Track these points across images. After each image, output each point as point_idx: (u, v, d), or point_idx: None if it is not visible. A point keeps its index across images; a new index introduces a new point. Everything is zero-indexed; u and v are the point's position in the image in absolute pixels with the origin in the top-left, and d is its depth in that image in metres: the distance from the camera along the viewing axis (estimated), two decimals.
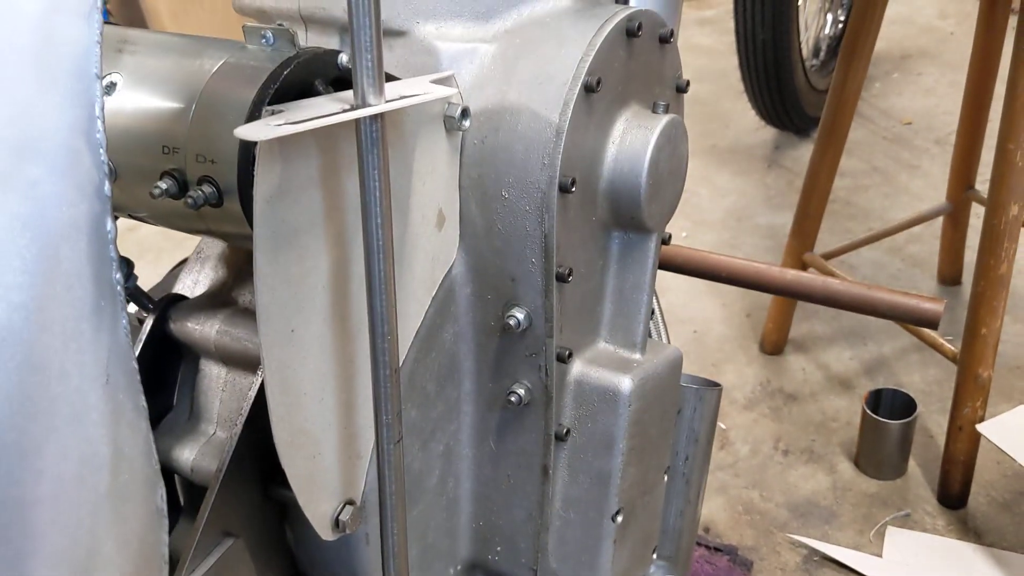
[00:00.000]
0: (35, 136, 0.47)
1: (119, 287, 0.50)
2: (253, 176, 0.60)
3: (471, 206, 0.75)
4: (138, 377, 0.51)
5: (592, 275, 0.81)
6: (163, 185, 0.63)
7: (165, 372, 0.81)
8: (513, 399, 0.79)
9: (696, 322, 1.84)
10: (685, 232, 2.17)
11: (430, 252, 0.73)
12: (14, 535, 0.45)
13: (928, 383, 1.61)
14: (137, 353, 0.78)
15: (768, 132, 2.54)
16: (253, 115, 0.60)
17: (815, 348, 1.74)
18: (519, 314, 0.76)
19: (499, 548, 0.87)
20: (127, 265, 0.76)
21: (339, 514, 0.70)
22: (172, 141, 0.63)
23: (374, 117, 0.56)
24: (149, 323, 0.78)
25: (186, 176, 0.63)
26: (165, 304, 0.79)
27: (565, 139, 0.71)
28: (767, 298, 1.75)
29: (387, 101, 0.56)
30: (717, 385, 1.01)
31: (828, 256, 1.62)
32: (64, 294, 0.48)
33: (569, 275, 0.75)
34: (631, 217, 0.79)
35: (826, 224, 2.03)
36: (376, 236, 0.59)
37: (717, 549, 1.33)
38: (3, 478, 0.45)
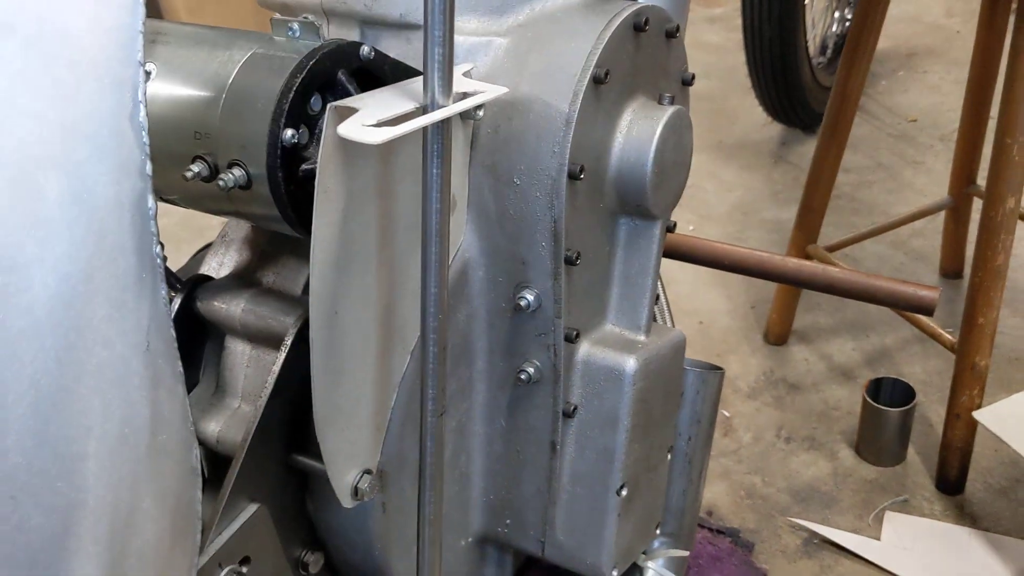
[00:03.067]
0: (83, 119, 0.50)
1: (159, 260, 0.54)
2: (280, 161, 0.64)
3: (484, 192, 0.79)
4: (175, 344, 0.55)
5: (600, 259, 0.84)
6: (195, 168, 0.67)
7: (192, 349, 0.84)
8: (523, 377, 0.82)
9: (702, 313, 1.88)
10: (692, 226, 2.20)
11: (449, 240, 0.77)
12: (63, 486, 0.49)
13: (929, 374, 1.64)
14: None
15: (775, 128, 2.57)
16: (281, 103, 0.64)
17: (818, 339, 1.77)
18: (529, 295, 0.80)
19: (509, 521, 0.90)
20: (161, 246, 0.80)
21: (357, 482, 0.74)
22: (204, 127, 0.67)
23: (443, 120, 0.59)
24: (177, 302, 0.82)
25: (217, 160, 0.67)
26: (192, 284, 0.83)
27: (574, 128, 0.74)
28: (772, 290, 1.78)
29: (454, 102, 0.60)
30: (719, 369, 1.04)
31: (832, 248, 1.66)
32: (109, 266, 0.51)
33: (577, 259, 0.78)
34: (637, 204, 0.82)
35: (831, 219, 2.06)
36: (434, 223, 0.62)
37: (720, 531, 1.36)
38: (54, 434, 0.49)
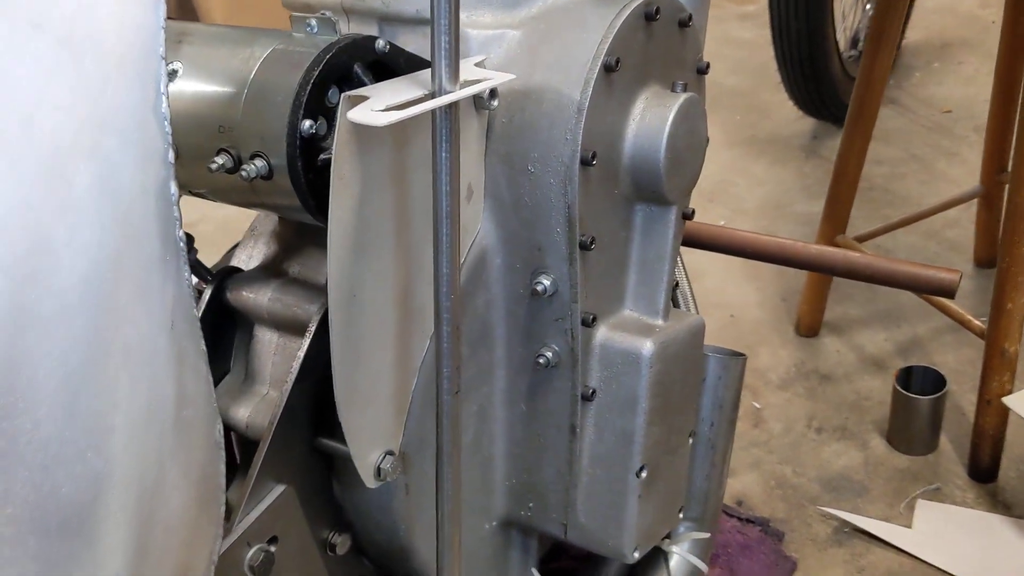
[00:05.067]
0: (111, 111, 0.53)
1: (182, 243, 0.57)
2: (299, 151, 0.67)
3: (500, 181, 0.81)
4: (199, 324, 0.58)
5: (616, 246, 0.86)
6: (219, 160, 0.69)
7: (222, 339, 0.87)
8: (541, 361, 0.84)
9: (732, 307, 1.88)
10: (723, 220, 2.21)
11: (459, 223, 0.79)
12: (92, 457, 0.52)
13: (961, 363, 1.63)
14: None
15: (806, 123, 2.56)
16: (299, 96, 0.67)
17: (849, 330, 1.76)
18: (546, 280, 0.82)
19: (531, 504, 0.92)
20: (188, 239, 0.84)
21: (380, 463, 0.77)
22: (227, 121, 0.70)
23: (450, 104, 0.61)
24: (208, 293, 0.85)
25: (240, 152, 0.70)
26: (222, 275, 0.86)
27: (586, 115, 0.76)
28: (802, 282, 1.78)
29: (461, 87, 0.62)
30: (741, 355, 1.05)
31: (862, 239, 1.65)
32: (135, 249, 0.54)
33: (592, 243, 0.80)
34: (652, 191, 0.84)
35: (863, 211, 2.05)
36: (444, 206, 0.64)
37: (749, 521, 1.36)
38: (84, 408, 0.52)
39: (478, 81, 0.63)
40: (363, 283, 0.68)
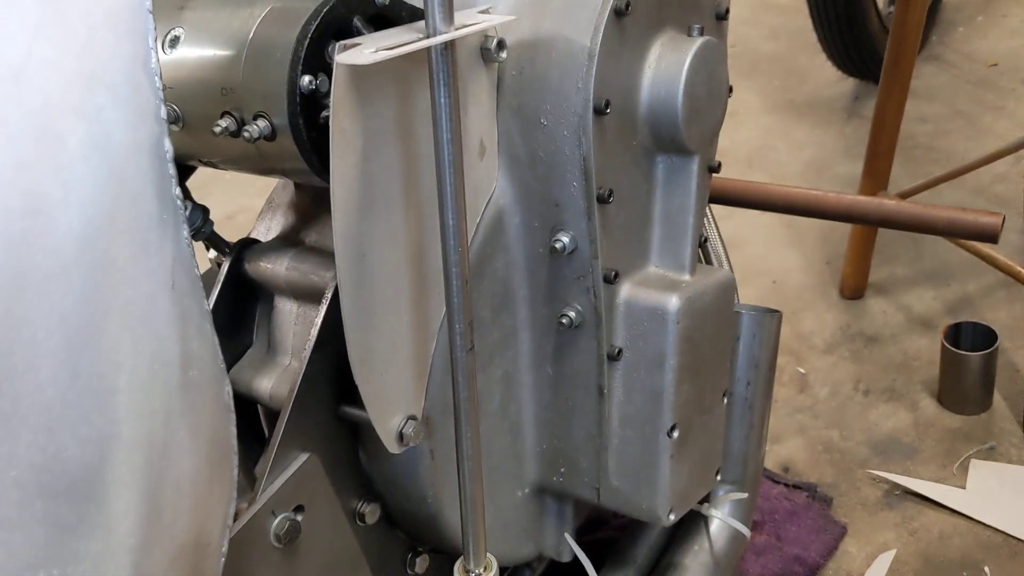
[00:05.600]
0: (100, 68, 0.52)
1: (179, 201, 0.56)
2: (300, 108, 0.66)
3: (513, 136, 0.79)
4: (200, 284, 0.57)
5: (637, 199, 0.83)
6: (223, 123, 0.68)
7: (244, 311, 0.87)
8: (564, 321, 0.82)
9: (775, 272, 1.84)
10: None
11: (472, 181, 0.77)
12: (97, 419, 0.51)
13: (1015, 318, 1.58)
14: (217, 293, 0.85)
15: (847, 84, 2.50)
16: (297, 51, 0.65)
17: (896, 290, 1.71)
18: (564, 237, 0.80)
19: (563, 469, 0.90)
20: (202, 211, 0.83)
21: (402, 428, 0.75)
22: (229, 83, 0.69)
23: (446, 45, 0.60)
24: (226, 265, 0.85)
25: (243, 114, 0.69)
26: (240, 247, 0.85)
27: (597, 62, 0.74)
28: (846, 245, 1.73)
29: (456, 29, 0.60)
30: (776, 312, 1.02)
31: (904, 195, 1.60)
32: (131, 208, 0.53)
33: (610, 196, 0.78)
34: (671, 140, 0.81)
35: (906, 169, 2.00)
36: (446, 153, 0.62)
37: (796, 487, 1.33)
38: (86, 369, 0.51)
39: (475, 24, 0.61)
40: (372, 243, 0.67)
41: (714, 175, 0.89)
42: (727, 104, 0.87)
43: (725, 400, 0.94)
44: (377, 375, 0.71)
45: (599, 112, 0.74)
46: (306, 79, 0.65)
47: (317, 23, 0.66)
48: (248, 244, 0.86)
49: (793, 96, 2.52)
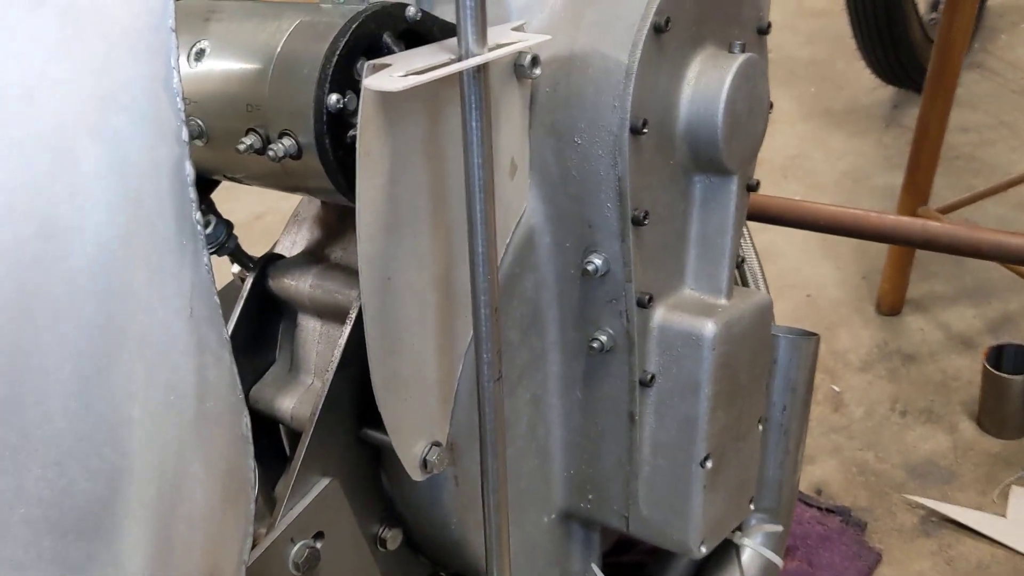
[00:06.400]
0: (118, 87, 0.50)
1: (199, 226, 0.54)
2: (326, 128, 0.64)
3: (546, 154, 0.76)
4: (220, 311, 0.55)
5: (673, 220, 0.80)
6: (247, 141, 0.66)
7: (267, 328, 0.85)
8: (595, 345, 0.79)
9: (809, 286, 1.80)
10: (799, 196, 2.11)
11: (503, 201, 0.74)
12: (109, 452, 0.49)
13: None
14: (240, 308, 0.83)
15: (886, 92, 2.45)
16: (325, 68, 0.63)
17: (935, 307, 1.67)
18: (597, 259, 0.77)
19: (591, 496, 0.88)
20: (226, 226, 0.81)
21: (426, 455, 0.73)
22: (255, 99, 0.67)
23: (479, 68, 0.57)
24: (250, 281, 0.83)
25: (269, 132, 0.67)
26: (264, 262, 0.83)
27: (635, 80, 0.71)
28: (884, 260, 1.69)
29: (489, 50, 0.58)
30: (813, 335, 0.99)
31: (946, 210, 1.55)
32: (148, 232, 0.51)
33: (645, 218, 0.75)
34: (710, 159, 0.78)
35: (948, 180, 1.95)
36: (477, 178, 0.60)
37: (829, 510, 1.30)
38: (98, 400, 0.49)
39: (509, 44, 0.59)
40: (398, 265, 0.65)
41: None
42: (768, 121, 0.84)
43: (760, 426, 0.91)
44: (400, 400, 0.69)
45: (636, 131, 0.72)
46: (333, 98, 0.63)
47: (346, 40, 0.63)
48: (272, 260, 0.84)
49: (830, 103, 2.47)
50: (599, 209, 0.75)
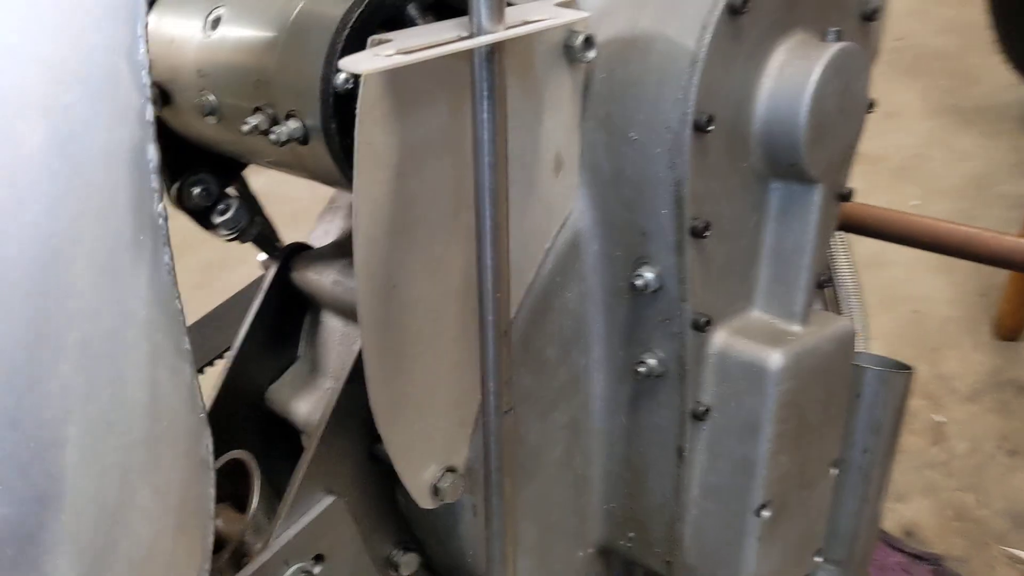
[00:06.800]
0: (70, 56, 0.44)
1: (161, 220, 0.47)
2: (333, 110, 0.56)
3: (598, 150, 0.67)
4: (182, 317, 0.48)
5: (743, 232, 0.70)
6: (252, 121, 0.59)
7: (291, 322, 0.79)
8: (642, 370, 0.70)
9: (918, 300, 1.64)
10: (916, 200, 1.95)
11: (544, 200, 0.66)
12: (37, 475, 0.43)
13: None
14: (260, 300, 0.77)
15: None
16: (335, 43, 0.55)
17: None
18: (648, 273, 0.67)
19: (632, 534, 0.78)
20: (249, 210, 0.75)
21: (438, 481, 0.65)
22: (264, 74, 0.60)
23: (492, 48, 0.48)
24: (273, 271, 0.77)
25: (276, 111, 0.59)
26: (289, 252, 0.77)
27: (702, 69, 0.61)
28: (1006, 277, 1.52)
29: (507, 28, 0.49)
30: (907, 369, 0.87)
31: None
32: (98, 225, 0.45)
33: (706, 230, 0.65)
34: (790, 165, 0.67)
35: None
36: (487, 180, 0.52)
37: (918, 557, 1.16)
38: (27, 416, 0.43)
39: (536, 21, 0.49)
40: (407, 273, 0.57)
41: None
42: (863, 124, 0.72)
43: (833, 471, 0.80)
44: (407, 422, 0.61)
45: (699, 129, 0.62)
46: (342, 76, 0.55)
47: (360, 10, 0.55)
48: (297, 250, 0.77)
49: (959, 100, 2.27)
50: (654, 216, 0.66)
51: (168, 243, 0.47)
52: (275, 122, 0.59)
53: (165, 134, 0.72)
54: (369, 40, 0.50)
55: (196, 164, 0.73)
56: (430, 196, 0.56)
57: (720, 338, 0.70)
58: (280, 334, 0.78)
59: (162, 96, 0.68)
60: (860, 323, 0.99)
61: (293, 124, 0.57)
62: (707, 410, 0.71)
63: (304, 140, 0.58)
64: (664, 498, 0.75)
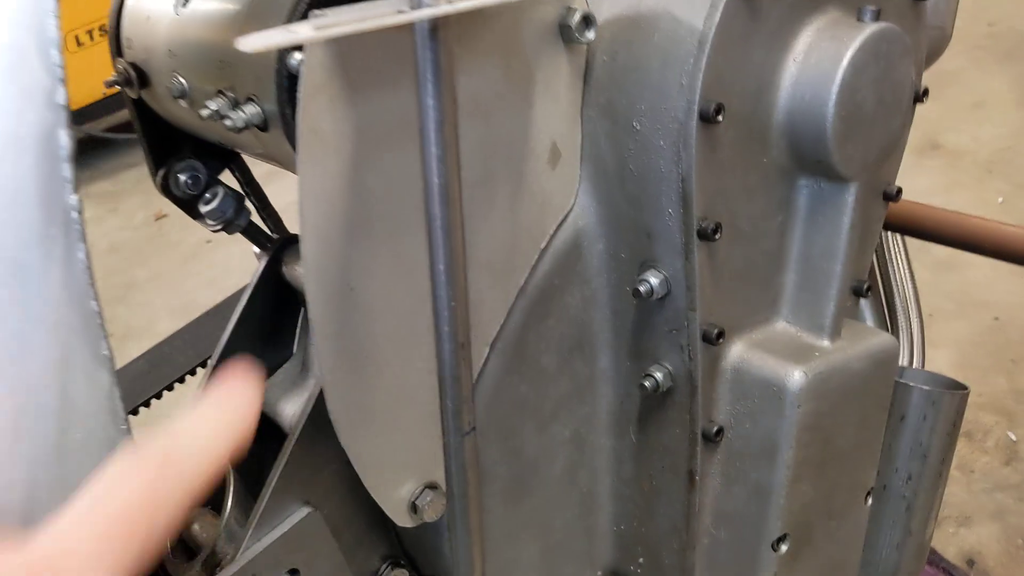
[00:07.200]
0: None
1: (75, 213, 0.43)
2: (288, 93, 0.51)
3: (600, 141, 0.61)
4: (99, 319, 0.44)
5: (765, 233, 0.63)
6: (212, 106, 0.55)
7: (284, 319, 0.74)
8: (648, 384, 0.64)
9: (999, 307, 1.52)
10: (1001, 197, 1.81)
11: (538, 195, 0.60)
12: None
13: None
14: (248, 295, 0.73)
15: None
16: (291, 17, 0.50)
17: None
18: (653, 279, 0.61)
19: (642, 560, 0.72)
20: (235, 200, 0.71)
21: (417, 498, 0.60)
22: (226, 54, 0.55)
23: (435, 24, 0.43)
24: (262, 265, 0.72)
25: (237, 95, 0.55)
26: (281, 244, 0.73)
27: (710, 51, 0.54)
28: None
29: (451, 2, 0.44)
30: (962, 389, 0.78)
31: None
32: (0, 218, 0.41)
33: (716, 231, 0.58)
34: (817, 160, 0.60)
35: None
36: (436, 176, 0.46)
37: None
38: None
39: None
40: (365, 274, 0.51)
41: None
42: (909, 117, 0.64)
43: (868, 501, 0.72)
44: (374, 435, 0.56)
45: (706, 119, 0.55)
46: (297, 57, 0.50)
47: None
48: (290, 241, 0.73)
49: None
50: (659, 216, 0.59)
51: (83, 238, 0.43)
52: (237, 106, 0.55)
53: (150, 118, 0.68)
54: (310, 15, 0.45)
55: (182, 150, 0.69)
56: (390, 190, 0.50)
57: (736, 351, 0.63)
58: (271, 331, 0.74)
59: (140, 78, 0.64)
60: (915, 336, 0.90)
61: (251, 109, 0.53)
62: (720, 430, 0.64)
63: (264, 126, 0.53)
64: (674, 524, 0.68)
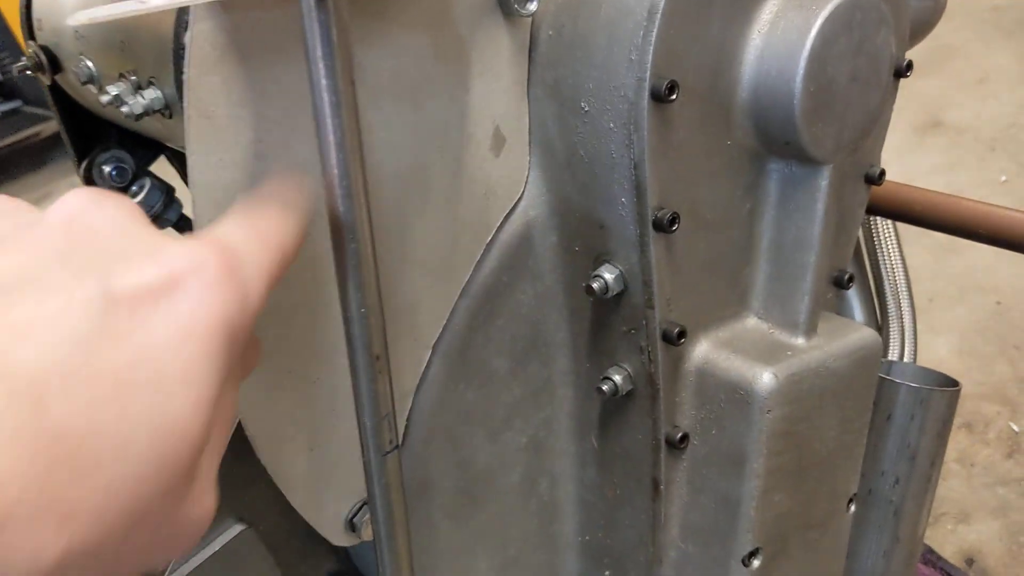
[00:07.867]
0: None
1: None
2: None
3: (548, 124, 0.55)
4: None
5: (731, 222, 0.58)
6: (112, 91, 0.50)
7: None
8: (606, 388, 0.59)
9: (1001, 291, 1.46)
10: (1005, 176, 1.75)
11: (481, 184, 0.55)
12: None
13: None
14: None
15: None
16: None
17: None
18: (608, 274, 0.56)
19: (607, 573, 0.67)
20: (162, 192, 0.66)
21: (354, 515, 0.56)
22: (127, 33, 0.50)
23: None
24: None
25: (140, 78, 0.50)
26: None
27: (661, 22, 0.49)
28: None
29: None
30: (953, 386, 0.73)
31: None
32: None
33: (673, 222, 0.53)
34: (785, 141, 0.55)
35: None
36: (335, 167, 0.40)
37: None
38: None
39: None
40: None
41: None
42: (891, 93, 0.59)
43: (851, 508, 0.67)
44: (298, 451, 0.51)
45: (659, 98, 0.49)
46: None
47: None
48: None
49: None
50: (612, 206, 0.54)
51: None
52: (139, 91, 0.50)
53: (69, 106, 0.63)
54: None
55: (106, 139, 0.64)
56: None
57: (701, 351, 0.58)
58: None
59: (51, 62, 0.59)
60: (907, 327, 0.85)
61: (151, 94, 0.48)
62: (685, 436, 0.59)
63: (169, 113, 0.48)
64: (640, 535, 0.63)
